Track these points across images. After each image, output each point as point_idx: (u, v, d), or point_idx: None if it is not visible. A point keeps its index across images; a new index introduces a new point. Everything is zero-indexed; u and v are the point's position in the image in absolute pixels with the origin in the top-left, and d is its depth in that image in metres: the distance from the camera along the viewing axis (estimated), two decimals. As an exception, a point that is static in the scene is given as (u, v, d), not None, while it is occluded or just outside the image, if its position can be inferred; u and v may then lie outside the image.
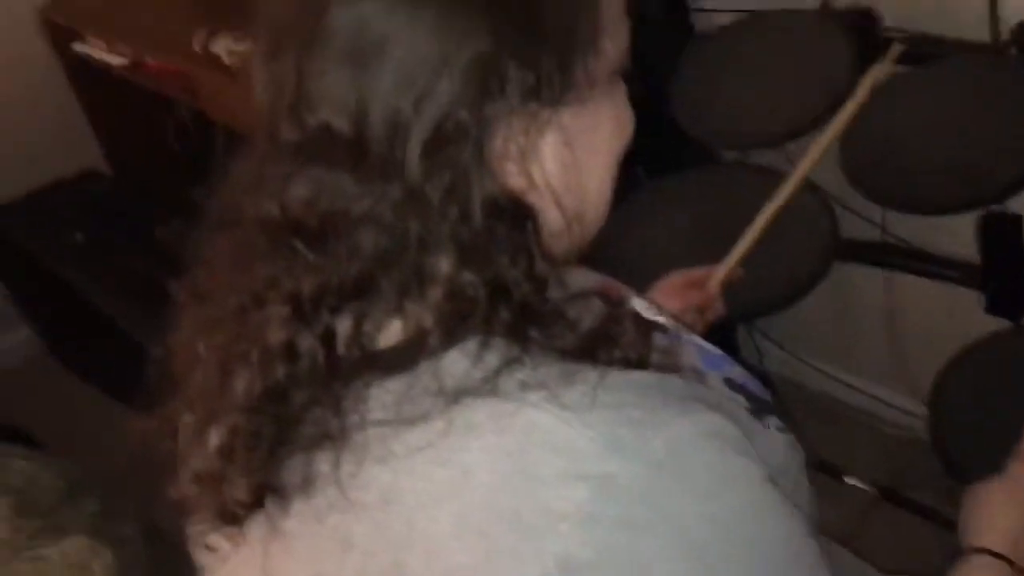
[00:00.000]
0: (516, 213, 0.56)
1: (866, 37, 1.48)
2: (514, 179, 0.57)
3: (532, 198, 0.57)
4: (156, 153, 2.49)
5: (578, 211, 0.60)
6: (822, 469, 1.59)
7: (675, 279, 1.01)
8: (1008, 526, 0.76)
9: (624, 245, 1.41)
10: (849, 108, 1.11)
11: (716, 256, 1.10)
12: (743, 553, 0.54)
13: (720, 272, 1.03)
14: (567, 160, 0.58)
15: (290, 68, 0.56)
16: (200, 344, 0.62)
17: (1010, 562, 0.74)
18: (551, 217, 0.58)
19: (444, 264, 0.56)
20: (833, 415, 2.06)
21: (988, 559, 0.74)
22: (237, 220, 0.60)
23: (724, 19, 1.67)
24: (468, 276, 0.55)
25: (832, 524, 0.71)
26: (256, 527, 0.60)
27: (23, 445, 1.42)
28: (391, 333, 0.57)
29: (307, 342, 0.56)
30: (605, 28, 0.58)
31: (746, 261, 1.05)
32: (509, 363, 0.55)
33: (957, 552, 0.76)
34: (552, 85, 0.56)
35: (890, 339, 1.81)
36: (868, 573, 0.90)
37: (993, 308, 1.48)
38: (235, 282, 0.60)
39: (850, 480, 1.60)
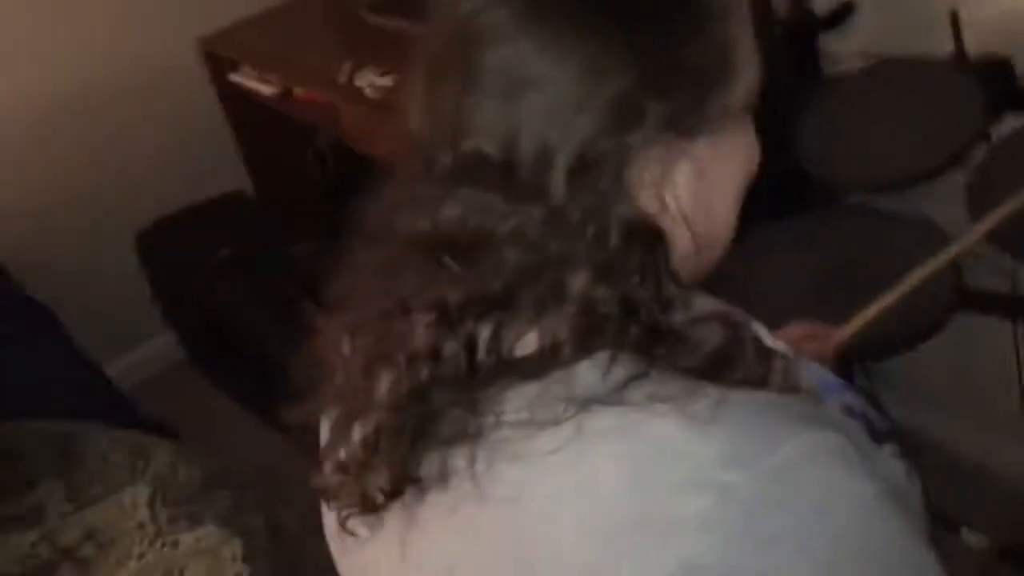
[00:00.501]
0: (649, 236, 0.60)
1: (1001, 85, 1.47)
2: (648, 204, 0.60)
3: (664, 222, 0.61)
4: (297, 177, 2.63)
5: (706, 237, 0.64)
6: (938, 523, 1.54)
7: (796, 328, 1.02)
8: None
9: (743, 281, 1.42)
10: (1009, 205, 1.09)
11: (831, 298, 1.08)
12: (870, 569, 0.55)
13: (843, 334, 1.03)
14: (698, 188, 0.62)
15: (447, 100, 0.61)
16: (345, 345, 0.67)
17: None
18: (680, 241, 0.62)
19: (580, 281, 0.59)
20: (952, 467, 2.00)
21: None
22: (387, 235, 0.65)
23: (854, 64, 1.67)
24: (601, 293, 0.59)
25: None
26: (394, 515, 0.64)
27: (168, 439, 1.52)
28: (527, 343, 0.61)
29: (451, 347, 0.60)
30: (737, 65, 0.62)
31: (869, 328, 1.04)
32: (636, 377, 0.58)
33: None
34: (687, 117, 0.60)
35: (1014, 391, 1.76)
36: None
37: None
38: (382, 290, 0.65)
39: (968, 535, 1.55)
